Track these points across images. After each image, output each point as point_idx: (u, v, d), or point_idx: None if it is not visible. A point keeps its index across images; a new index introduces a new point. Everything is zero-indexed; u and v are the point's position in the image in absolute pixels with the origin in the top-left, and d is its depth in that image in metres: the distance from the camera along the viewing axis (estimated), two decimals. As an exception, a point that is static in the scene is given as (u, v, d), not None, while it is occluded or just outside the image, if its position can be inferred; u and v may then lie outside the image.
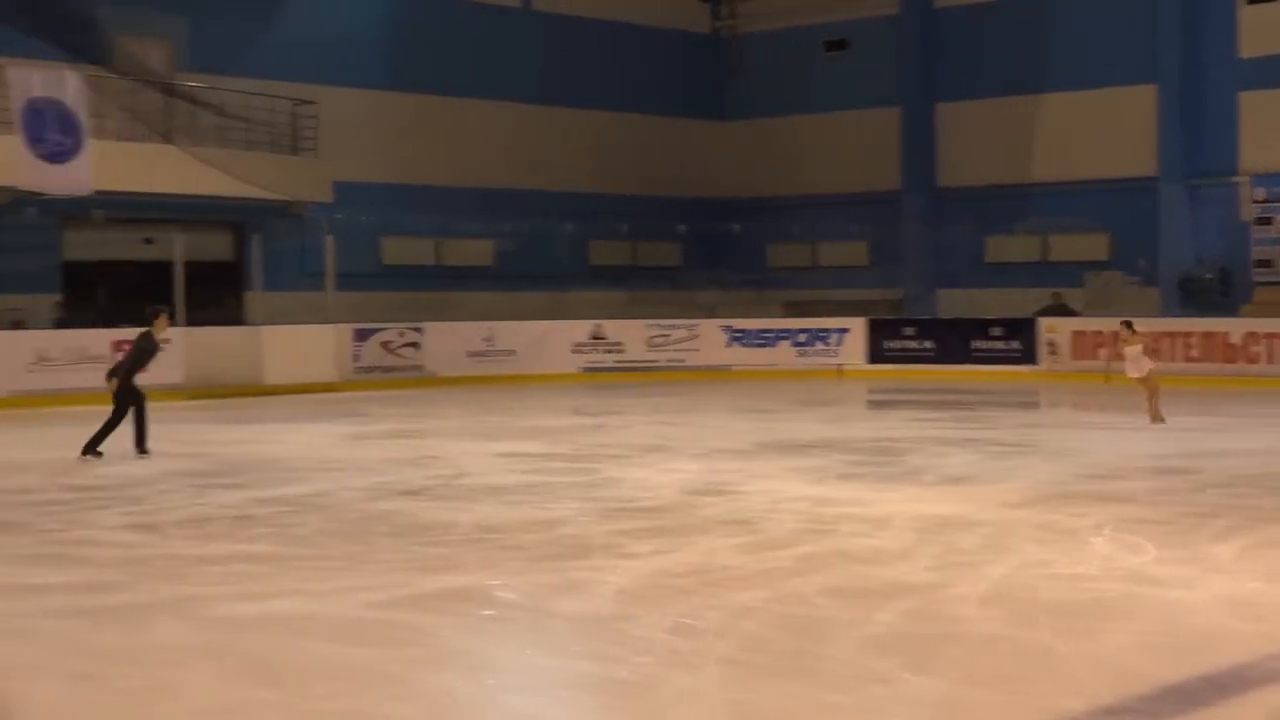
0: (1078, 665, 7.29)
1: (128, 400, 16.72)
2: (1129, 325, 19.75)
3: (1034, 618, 8.29)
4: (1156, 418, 18.81)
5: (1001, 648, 7.71)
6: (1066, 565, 9.72)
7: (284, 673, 7.28)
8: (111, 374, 16.99)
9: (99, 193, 25.24)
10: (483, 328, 28.97)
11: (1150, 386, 19.11)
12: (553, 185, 33.76)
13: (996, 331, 29.08)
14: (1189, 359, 26.75)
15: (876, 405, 24.03)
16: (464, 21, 32.81)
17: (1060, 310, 29.83)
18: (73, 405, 22.96)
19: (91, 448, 16.40)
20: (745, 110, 37.41)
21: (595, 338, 29.74)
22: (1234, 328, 27.08)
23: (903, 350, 29.61)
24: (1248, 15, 30.21)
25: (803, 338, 30.06)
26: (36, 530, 11.53)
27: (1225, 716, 6.57)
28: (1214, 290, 29.85)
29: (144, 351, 17.07)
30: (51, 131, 24.59)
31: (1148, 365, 19.14)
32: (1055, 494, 12.94)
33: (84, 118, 24.96)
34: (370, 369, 27.34)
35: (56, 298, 27.00)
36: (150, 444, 16.61)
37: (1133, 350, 19.24)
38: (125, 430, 16.39)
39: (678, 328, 30.27)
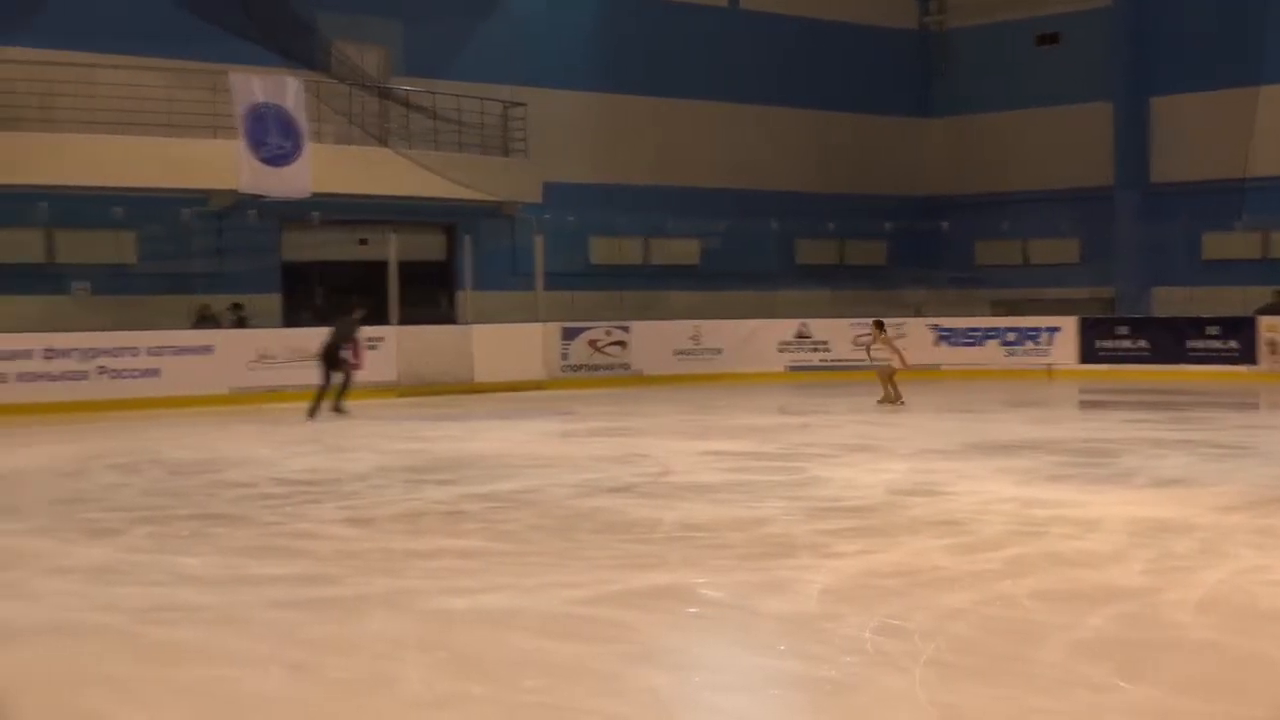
0: (1299, 675, 7.09)
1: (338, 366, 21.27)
2: (880, 325, 23.95)
3: (1253, 625, 8.05)
4: (889, 399, 22.51)
5: (1218, 655, 7.49)
6: (1288, 572, 9.46)
7: (494, 666, 7.35)
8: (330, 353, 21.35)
9: (316, 195, 25.91)
10: (689, 326, 29.08)
11: (890, 373, 22.74)
12: (759, 184, 33.75)
13: (1214, 330, 28.37)
14: None
15: (1088, 406, 23.57)
16: (672, 22, 32.98)
17: (1282, 309, 28.98)
18: (291, 401, 23.64)
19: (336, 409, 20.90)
20: (953, 106, 37.04)
21: (801, 336, 29.65)
22: None
23: (1115, 350, 29.03)
24: None
25: (1011, 337, 29.64)
26: (256, 523, 11.84)
27: None
28: None
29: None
30: (272, 136, 25.29)
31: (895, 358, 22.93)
32: (1275, 498, 12.56)
33: (303, 122, 25.62)
34: (577, 367, 27.61)
35: (276, 296, 27.78)
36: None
37: (885, 349, 23.20)
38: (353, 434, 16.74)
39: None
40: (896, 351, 23.28)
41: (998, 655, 7.47)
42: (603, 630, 8.09)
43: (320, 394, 21.23)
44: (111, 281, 25.72)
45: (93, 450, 17.30)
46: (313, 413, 20.97)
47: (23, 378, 22.10)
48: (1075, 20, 34.82)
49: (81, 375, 22.67)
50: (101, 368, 22.85)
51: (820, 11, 35.25)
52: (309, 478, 14.71)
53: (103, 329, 24.15)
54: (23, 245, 25.18)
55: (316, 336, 24.64)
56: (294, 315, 27.58)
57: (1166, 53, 33.39)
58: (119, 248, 25.96)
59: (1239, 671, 7.20)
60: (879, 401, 22.54)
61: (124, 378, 22.95)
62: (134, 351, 23.21)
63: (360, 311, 22.01)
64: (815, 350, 29.62)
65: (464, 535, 11.19)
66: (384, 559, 10.24)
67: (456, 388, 25.70)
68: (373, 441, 18.17)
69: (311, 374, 22.25)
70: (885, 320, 24.77)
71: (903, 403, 22.37)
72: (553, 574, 9.57)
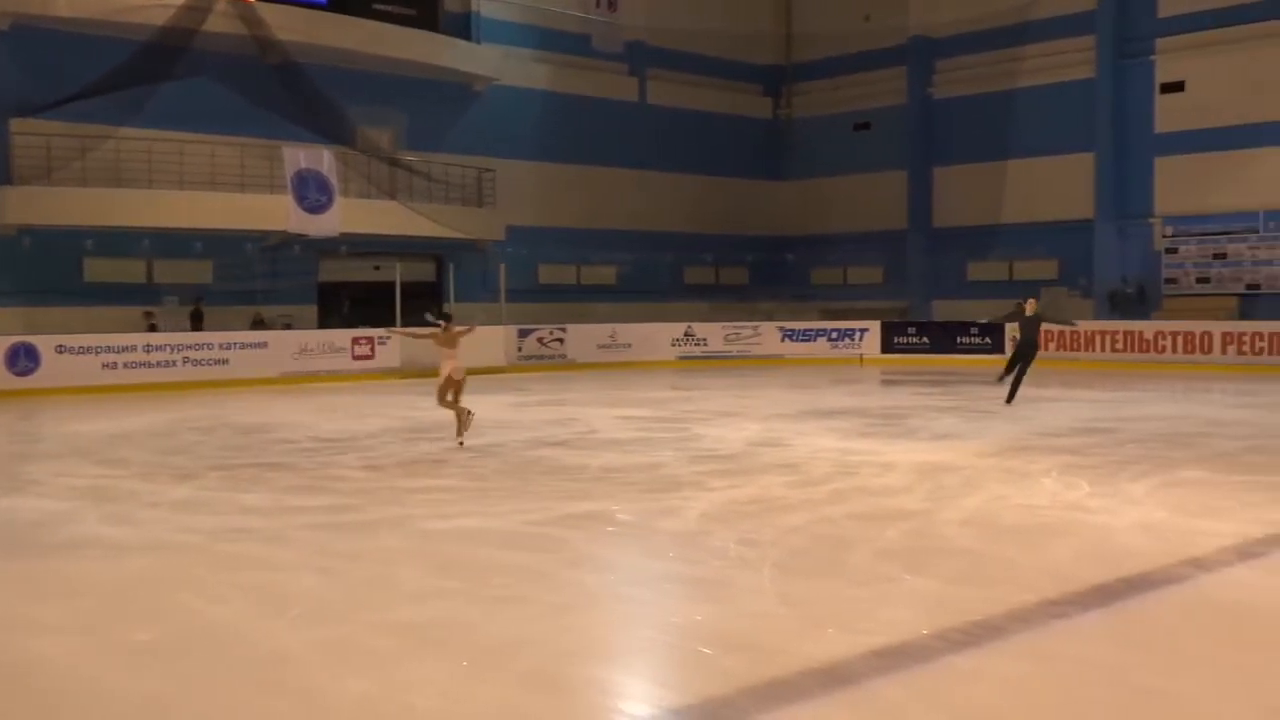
0: (1031, 571, 7.20)
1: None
2: (448, 317, 14.40)
3: (1000, 536, 8.20)
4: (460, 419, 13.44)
5: (976, 558, 7.63)
6: (1023, 499, 9.59)
7: (468, 569, 7.36)
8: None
9: (344, 234, 25.65)
10: (608, 328, 29.06)
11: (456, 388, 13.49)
12: (658, 227, 33.78)
13: (975, 330, 28.72)
14: (1113, 350, 26.37)
15: (887, 384, 23.78)
16: (599, 111, 32.83)
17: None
18: (324, 382, 23.43)
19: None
20: (796, 173, 37.18)
21: (687, 335, 29.72)
22: (1147, 328, 26.61)
23: (907, 344, 29.34)
24: (1161, 102, 29.54)
25: (835, 335, 29.86)
26: (298, 469, 11.73)
27: (1136, 608, 6.47)
28: (1134, 301, 29.29)
29: None
30: (312, 191, 25.01)
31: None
32: (1016, 447, 12.75)
33: (335, 182, 25.35)
34: (529, 357, 27.48)
35: (312, 308, 27.51)
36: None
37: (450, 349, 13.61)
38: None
39: (746, 328, 30.17)
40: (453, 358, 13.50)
41: (822, 559, 7.56)
42: (547, 543, 8.10)
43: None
44: (194, 296, 25.31)
45: (179, 418, 17.04)
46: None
47: (128, 365, 21.74)
48: (882, 113, 35.05)
49: (171, 363, 22.32)
50: (186, 358, 22.51)
51: (703, 104, 35.27)
52: (337, 436, 14.59)
53: (187, 330, 23.84)
54: (129, 270, 24.77)
55: (342, 336, 24.61)
56: (327, 320, 27.34)
57: (944, 137, 33.78)
58: (199, 272, 25.58)
59: (991, 569, 7.34)
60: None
61: (202, 365, 22.61)
62: (210, 346, 22.87)
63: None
64: (698, 345, 29.69)
65: (447, 477, 11.14)
66: (390, 494, 10.17)
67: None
68: (383, 410, 18.03)
69: (339, 362, 22.09)
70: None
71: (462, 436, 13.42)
72: (511, 503, 9.56)
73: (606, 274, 32.90)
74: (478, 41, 30.56)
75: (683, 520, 8.79)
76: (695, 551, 7.80)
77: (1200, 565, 7.25)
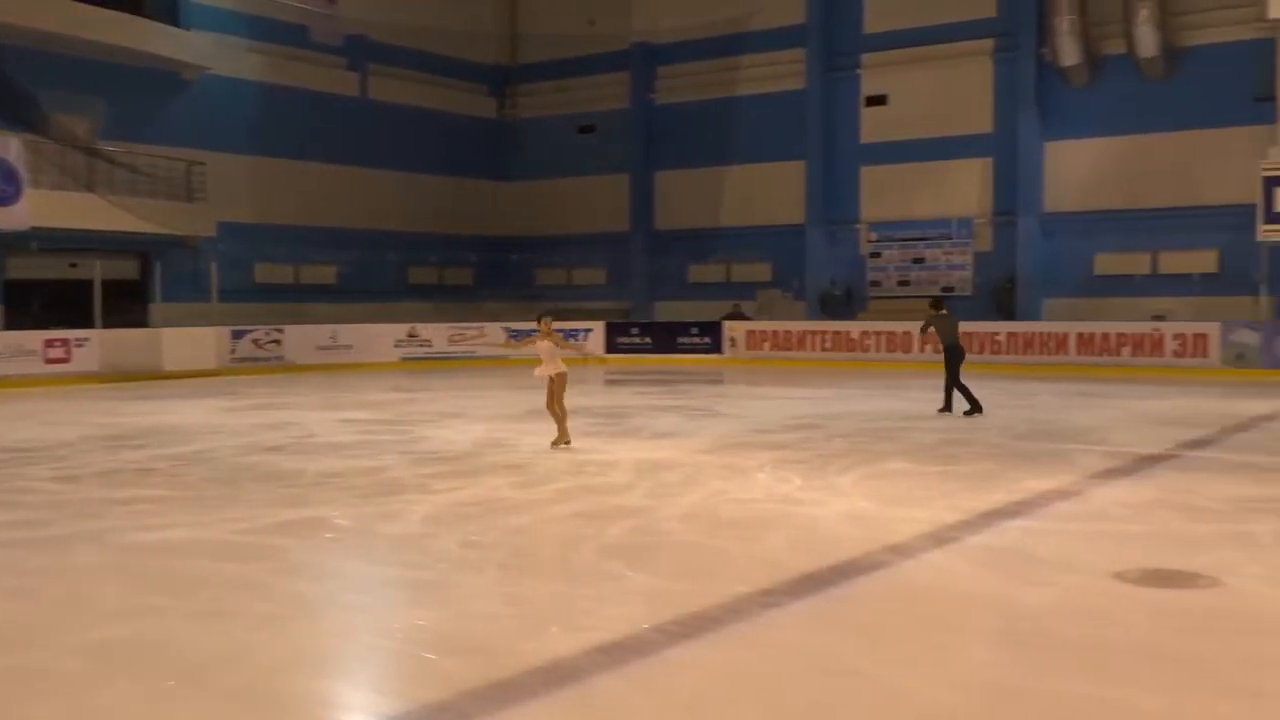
0: (746, 562, 7.46)
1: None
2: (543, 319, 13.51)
3: (717, 530, 8.44)
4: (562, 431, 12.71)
5: (694, 552, 7.83)
6: (739, 493, 9.93)
7: (176, 583, 6.97)
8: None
9: (36, 228, 23.90)
10: (328, 329, 28.33)
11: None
12: (381, 226, 33.20)
13: (695, 331, 29.63)
14: (823, 349, 27.74)
15: (611, 383, 24.18)
16: (316, 105, 31.96)
17: (738, 316, 30.53)
18: (12, 388, 21.79)
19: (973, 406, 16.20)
20: (521, 174, 37.31)
21: (411, 336, 29.32)
22: (854, 328, 28.14)
23: (630, 344, 29.94)
24: (866, 114, 31.30)
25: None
26: (-17, 482, 10.85)
27: (844, 593, 6.78)
28: (842, 302, 30.90)
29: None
30: (-2, 182, 23.24)
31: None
32: (732, 444, 13.18)
33: (23, 172, 23.59)
34: (243, 359, 26.43)
35: None
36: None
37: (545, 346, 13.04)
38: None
39: (471, 329, 30.05)
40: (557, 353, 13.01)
41: (547, 558, 7.60)
42: (261, 553, 7.79)
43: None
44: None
45: None
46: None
47: None
48: (605, 117, 35.62)
49: None
50: None
51: (426, 102, 34.89)
52: (26, 445, 13.54)
53: None
54: None
55: (33, 338, 22.92)
56: (15, 321, 25.41)
57: (666, 141, 34.61)
58: None
59: (708, 561, 7.55)
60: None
61: None
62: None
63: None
64: (421, 346, 29.37)
65: (152, 486, 10.55)
66: (87, 506, 9.54)
67: (149, 375, 24.16)
68: (80, 417, 16.90)
69: (28, 365, 20.55)
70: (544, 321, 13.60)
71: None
72: (222, 512, 9.15)
73: (327, 273, 32.05)
74: (186, 27, 29.14)
75: (405, 524, 8.64)
76: (418, 555, 7.69)
77: (900, 551, 7.70)
